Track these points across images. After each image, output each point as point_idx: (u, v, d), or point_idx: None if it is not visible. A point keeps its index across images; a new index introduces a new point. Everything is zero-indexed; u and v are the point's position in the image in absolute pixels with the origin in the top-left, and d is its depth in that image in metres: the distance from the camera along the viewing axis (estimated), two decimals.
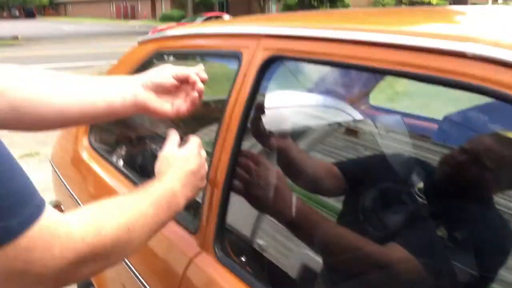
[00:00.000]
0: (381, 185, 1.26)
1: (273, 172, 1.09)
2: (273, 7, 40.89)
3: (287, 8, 32.64)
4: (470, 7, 1.26)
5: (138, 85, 0.91)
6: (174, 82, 0.91)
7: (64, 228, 0.62)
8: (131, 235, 0.71)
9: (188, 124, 1.71)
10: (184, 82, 0.93)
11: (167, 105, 0.92)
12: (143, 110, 0.91)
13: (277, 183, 1.07)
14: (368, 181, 1.28)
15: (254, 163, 1.07)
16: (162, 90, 0.91)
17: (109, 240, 0.67)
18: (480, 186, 1.13)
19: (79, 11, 62.13)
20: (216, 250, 1.05)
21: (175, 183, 0.84)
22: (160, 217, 0.79)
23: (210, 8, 43.64)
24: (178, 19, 37.53)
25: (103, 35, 25.75)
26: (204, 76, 0.94)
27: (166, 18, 40.63)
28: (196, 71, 0.93)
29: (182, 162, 0.89)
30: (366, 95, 1.92)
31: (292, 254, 1.41)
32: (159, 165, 0.89)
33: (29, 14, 68.37)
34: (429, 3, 35.50)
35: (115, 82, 0.92)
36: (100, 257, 0.66)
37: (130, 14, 50.37)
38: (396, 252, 1.03)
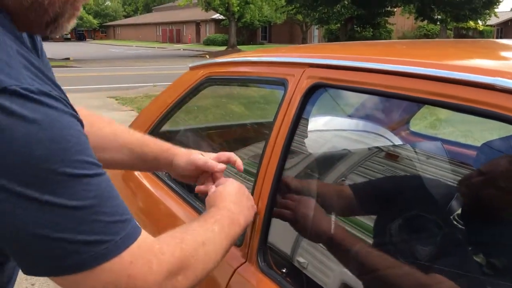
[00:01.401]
0: (417, 209, 1.30)
1: (312, 197, 1.16)
2: (315, 32, 41.13)
3: (330, 33, 32.83)
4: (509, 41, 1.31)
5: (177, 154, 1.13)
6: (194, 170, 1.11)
7: (157, 245, 0.70)
8: (206, 249, 0.80)
9: (234, 143, 1.81)
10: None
11: (193, 179, 1.13)
12: (174, 173, 1.16)
13: (316, 207, 1.15)
14: (404, 205, 1.32)
15: (294, 189, 1.15)
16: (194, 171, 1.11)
17: (189, 252, 0.75)
18: (499, 208, 1.16)
19: (127, 34, 64.52)
20: (259, 261, 1.13)
21: (229, 205, 0.97)
22: (226, 233, 0.89)
23: (253, 33, 44.35)
24: (222, 43, 38.35)
25: (149, 58, 26.64)
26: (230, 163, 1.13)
27: (210, 42, 41.61)
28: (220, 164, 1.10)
29: (226, 189, 1.03)
30: (406, 121, 1.97)
31: (331, 271, 1.46)
32: (209, 201, 1.01)
33: (79, 36, 71.48)
34: (475, 29, 34.84)
35: (162, 153, 1.14)
36: (185, 269, 0.74)
37: (175, 38, 51.85)
38: (435, 279, 1.07)
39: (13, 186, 0.56)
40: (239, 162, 1.12)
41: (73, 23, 0.74)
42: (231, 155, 1.12)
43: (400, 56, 1.12)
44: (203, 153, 1.12)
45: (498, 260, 1.18)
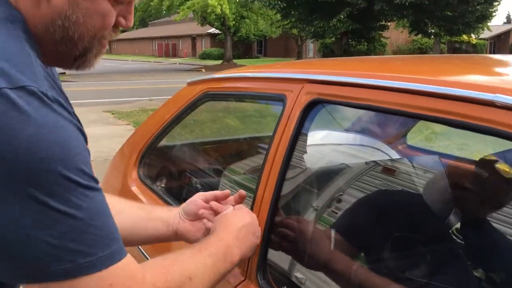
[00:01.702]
0: (417, 225, 1.30)
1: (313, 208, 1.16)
2: (311, 45, 41.44)
3: (325, 47, 33.08)
4: (503, 56, 1.32)
5: (177, 218, 1.09)
6: (201, 206, 1.09)
7: (140, 273, 0.69)
8: (192, 284, 0.78)
9: (230, 158, 1.80)
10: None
11: (200, 234, 1.08)
12: (183, 239, 1.09)
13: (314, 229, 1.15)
14: (401, 220, 1.32)
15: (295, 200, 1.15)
16: (195, 216, 1.09)
17: (174, 285, 0.74)
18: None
19: (123, 48, 64.75)
20: (259, 279, 1.12)
21: (230, 237, 0.95)
22: (218, 268, 0.86)
23: (249, 47, 44.64)
24: (218, 57, 38.57)
25: (145, 72, 26.68)
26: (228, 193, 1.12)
27: (205, 56, 41.82)
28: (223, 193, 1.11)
29: (235, 219, 1.01)
30: (403, 135, 1.97)
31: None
32: (215, 225, 1.00)
33: None
34: (469, 42, 35.21)
35: (163, 214, 1.11)
36: None
37: (171, 52, 52.09)
38: None
39: (15, 184, 0.57)
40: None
41: (99, 59, 0.77)
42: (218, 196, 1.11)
43: (398, 72, 1.13)
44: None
45: (497, 274, 1.18)
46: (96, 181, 0.65)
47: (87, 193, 0.62)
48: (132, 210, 1.10)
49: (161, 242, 1.12)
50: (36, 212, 0.58)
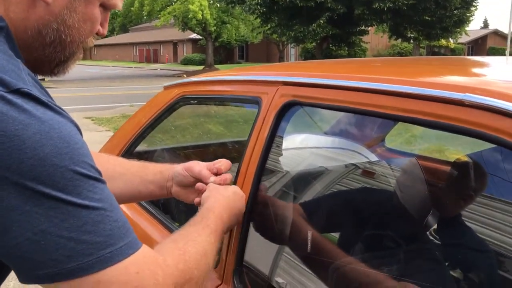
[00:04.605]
0: (396, 224, 1.30)
1: (288, 209, 1.15)
2: (292, 50, 41.65)
3: (306, 51, 33.26)
4: (481, 58, 1.34)
5: (171, 182, 1.10)
6: (191, 180, 1.09)
7: (160, 257, 0.69)
8: (206, 259, 0.80)
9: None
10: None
11: (192, 197, 1.09)
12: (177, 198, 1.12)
13: (294, 219, 1.14)
14: (377, 220, 1.32)
15: (271, 202, 1.14)
16: (187, 185, 1.10)
17: (193, 264, 0.74)
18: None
19: (104, 54, 64.15)
20: (235, 282, 1.11)
21: (224, 212, 0.96)
22: (217, 243, 0.88)
23: (230, 52, 44.67)
24: (200, 63, 38.49)
25: (126, 78, 26.49)
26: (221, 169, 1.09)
27: (187, 62, 41.68)
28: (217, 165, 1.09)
29: (225, 193, 1.02)
30: (382, 138, 1.98)
31: None
32: (209, 195, 1.00)
33: None
34: (447, 47, 35.81)
35: (156, 178, 1.11)
36: (189, 282, 0.73)
37: (152, 58, 51.81)
38: None
39: (23, 181, 0.57)
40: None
41: (74, 65, 0.79)
42: (221, 168, 1.09)
43: (373, 73, 1.13)
44: (200, 162, 1.11)
45: (476, 275, 1.18)
46: (101, 173, 0.65)
47: (97, 185, 0.63)
48: (126, 177, 1.09)
49: (160, 187, 1.13)
50: (49, 208, 0.58)
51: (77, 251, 0.59)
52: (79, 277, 0.59)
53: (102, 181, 0.65)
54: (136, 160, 1.16)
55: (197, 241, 0.81)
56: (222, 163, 1.09)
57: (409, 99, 0.87)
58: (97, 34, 0.78)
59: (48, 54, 0.73)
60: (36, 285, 0.62)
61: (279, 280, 1.52)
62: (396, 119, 0.99)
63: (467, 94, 0.77)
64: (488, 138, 0.75)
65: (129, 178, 1.09)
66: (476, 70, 1.31)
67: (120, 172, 1.09)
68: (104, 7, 0.76)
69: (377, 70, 1.23)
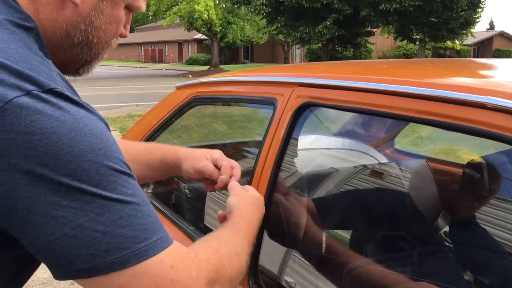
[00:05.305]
0: (404, 226, 1.30)
1: (303, 211, 1.16)
2: (297, 51, 41.61)
3: (311, 53, 33.24)
4: (487, 60, 1.33)
5: (182, 166, 1.10)
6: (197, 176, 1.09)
7: (192, 252, 0.70)
8: (240, 261, 0.79)
9: None
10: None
11: (201, 179, 1.10)
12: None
13: (308, 222, 1.14)
14: (390, 222, 1.32)
15: (286, 202, 1.14)
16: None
17: (226, 262, 0.74)
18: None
19: (110, 54, 62.90)
20: (250, 285, 1.11)
21: (254, 217, 0.96)
22: (250, 248, 0.88)
23: (235, 53, 44.68)
24: (205, 63, 38.52)
25: (131, 77, 26.53)
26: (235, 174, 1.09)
27: (192, 62, 41.73)
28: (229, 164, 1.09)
29: (249, 200, 1.01)
30: (391, 139, 1.98)
31: None
32: (233, 198, 1.00)
33: None
34: (453, 48, 35.69)
35: (171, 161, 1.12)
36: (222, 278, 0.73)
37: (158, 58, 51.88)
38: None
39: (59, 177, 0.58)
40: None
41: (98, 65, 0.81)
42: (229, 169, 1.08)
43: (389, 75, 1.13)
44: (210, 152, 1.10)
45: (491, 277, 1.18)
46: (131, 168, 0.66)
47: (129, 180, 0.64)
48: (144, 161, 1.11)
49: (167, 172, 1.16)
50: (85, 203, 0.59)
51: (114, 245, 0.59)
52: (115, 271, 0.60)
53: (133, 177, 0.66)
54: (141, 143, 1.16)
55: (230, 241, 0.81)
56: (236, 168, 1.08)
57: (428, 101, 0.87)
58: (120, 35, 0.80)
59: (75, 54, 0.74)
60: (58, 283, 0.62)
61: (290, 279, 1.52)
62: (414, 121, 0.99)
63: (489, 97, 0.77)
64: (510, 141, 0.75)
65: (147, 162, 1.11)
66: (489, 72, 1.30)
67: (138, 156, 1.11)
68: (129, 9, 0.77)
69: (392, 72, 1.23)
